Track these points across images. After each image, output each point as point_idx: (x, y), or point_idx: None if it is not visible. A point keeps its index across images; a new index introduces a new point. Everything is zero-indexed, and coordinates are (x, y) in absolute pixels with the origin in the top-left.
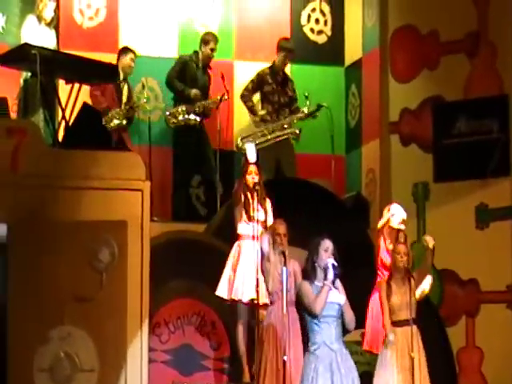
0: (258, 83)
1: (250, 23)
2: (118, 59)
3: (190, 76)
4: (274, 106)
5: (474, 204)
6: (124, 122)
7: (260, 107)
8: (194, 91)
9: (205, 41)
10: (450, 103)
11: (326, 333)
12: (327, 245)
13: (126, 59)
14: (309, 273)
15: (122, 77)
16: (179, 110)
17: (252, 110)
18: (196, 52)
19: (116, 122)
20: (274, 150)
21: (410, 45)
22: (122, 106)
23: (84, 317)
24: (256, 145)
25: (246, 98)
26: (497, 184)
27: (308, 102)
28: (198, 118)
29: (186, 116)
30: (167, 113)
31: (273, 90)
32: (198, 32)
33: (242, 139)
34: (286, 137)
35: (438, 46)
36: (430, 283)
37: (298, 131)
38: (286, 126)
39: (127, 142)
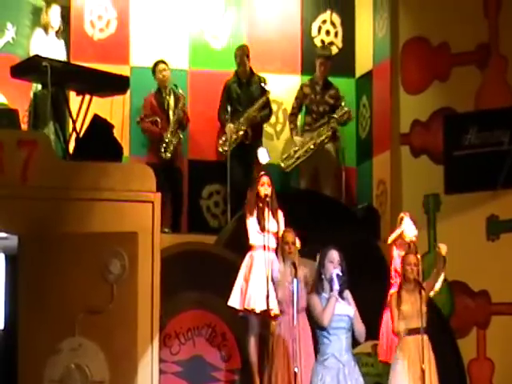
0: (300, 99)
1: (261, 35)
2: (154, 76)
3: (233, 99)
4: (313, 116)
5: (485, 215)
6: (176, 138)
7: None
8: (229, 128)
9: (235, 56)
10: (460, 115)
11: (336, 345)
12: (333, 255)
13: (157, 72)
14: (316, 285)
15: (162, 91)
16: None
17: (291, 133)
18: (236, 70)
19: (171, 146)
20: (313, 158)
21: (421, 56)
22: (171, 121)
23: (95, 328)
24: (297, 158)
25: (291, 118)
26: (507, 195)
27: (342, 108)
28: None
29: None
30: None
31: (311, 100)
32: (208, 43)
33: (284, 160)
34: (324, 141)
35: (448, 58)
36: (441, 281)
37: (344, 112)
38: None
39: (179, 159)
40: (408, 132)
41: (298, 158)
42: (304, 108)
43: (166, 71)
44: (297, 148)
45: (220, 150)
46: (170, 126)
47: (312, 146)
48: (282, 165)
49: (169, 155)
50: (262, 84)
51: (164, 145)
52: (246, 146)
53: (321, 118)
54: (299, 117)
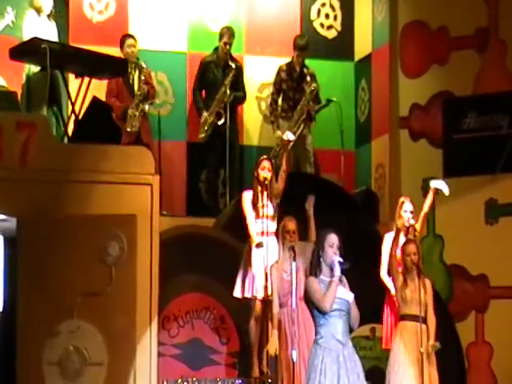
0: (278, 83)
1: (260, 18)
2: (121, 50)
3: (209, 80)
4: (289, 103)
5: (484, 199)
6: (139, 112)
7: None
8: (204, 116)
9: (220, 35)
10: (459, 99)
11: (335, 326)
12: (333, 240)
13: (124, 47)
14: (315, 267)
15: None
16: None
17: (273, 127)
18: (216, 48)
19: (135, 122)
20: (293, 147)
21: (420, 40)
22: (135, 98)
23: (93, 311)
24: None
25: (271, 108)
26: (506, 179)
27: (309, 84)
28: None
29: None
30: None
31: (288, 86)
32: (207, 26)
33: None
34: (303, 131)
35: (447, 42)
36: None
37: (312, 90)
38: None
39: (145, 134)
40: (407, 116)
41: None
42: (281, 94)
43: (135, 47)
44: (280, 145)
45: (200, 137)
46: (133, 100)
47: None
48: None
49: (134, 129)
50: (233, 64)
51: (128, 119)
52: (222, 128)
53: (297, 104)
54: (279, 102)
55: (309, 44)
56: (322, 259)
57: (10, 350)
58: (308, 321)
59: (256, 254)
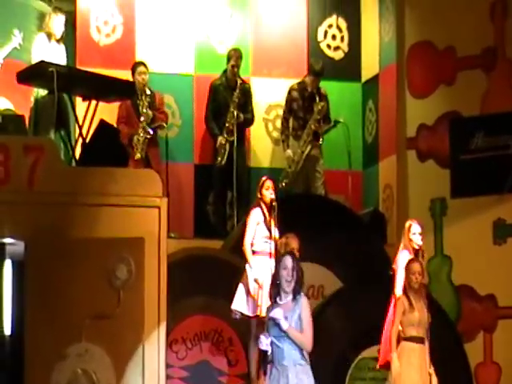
0: (289, 102)
1: (267, 39)
2: (132, 77)
3: (220, 104)
4: (300, 123)
5: (492, 219)
6: (143, 138)
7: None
8: (219, 140)
9: (227, 58)
10: (467, 119)
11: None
12: (286, 263)
13: (136, 74)
14: (274, 292)
15: (138, 94)
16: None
17: (283, 146)
18: (225, 71)
19: (141, 149)
20: (303, 167)
21: (427, 60)
22: (141, 124)
23: (101, 333)
24: (293, 173)
25: (282, 127)
26: None
27: (317, 104)
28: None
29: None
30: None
31: (298, 106)
32: (214, 48)
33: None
34: (311, 151)
35: (454, 62)
36: None
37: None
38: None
39: (154, 159)
40: (414, 136)
41: (293, 172)
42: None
43: (146, 74)
44: (291, 166)
45: (217, 162)
46: (139, 127)
47: (303, 160)
48: (283, 184)
49: (139, 155)
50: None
51: (133, 145)
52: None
53: (306, 124)
54: (290, 121)
55: (324, 69)
56: (278, 282)
57: (18, 374)
58: None
59: (257, 274)
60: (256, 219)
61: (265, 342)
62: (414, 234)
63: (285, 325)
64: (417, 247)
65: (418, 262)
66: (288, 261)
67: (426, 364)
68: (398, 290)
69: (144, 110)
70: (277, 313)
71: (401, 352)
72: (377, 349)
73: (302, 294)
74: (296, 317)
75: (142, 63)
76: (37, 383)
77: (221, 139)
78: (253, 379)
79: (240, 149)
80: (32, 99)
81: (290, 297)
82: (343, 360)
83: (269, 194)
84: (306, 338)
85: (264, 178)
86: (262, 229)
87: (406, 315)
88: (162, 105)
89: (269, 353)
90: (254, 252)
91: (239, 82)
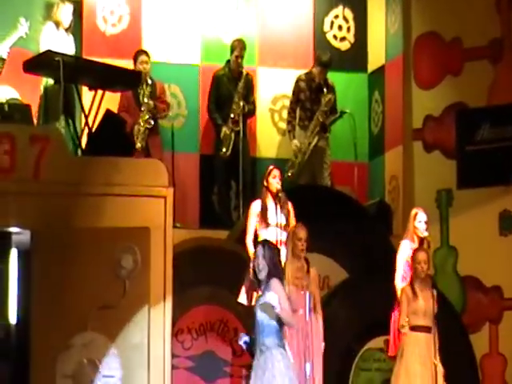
0: (296, 93)
1: (273, 30)
2: (134, 65)
3: (223, 95)
4: (307, 114)
5: (498, 211)
6: (144, 128)
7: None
8: (223, 131)
9: (231, 48)
10: (473, 110)
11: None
12: (257, 253)
13: (137, 63)
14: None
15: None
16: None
17: (289, 136)
18: (228, 62)
19: (142, 139)
20: (310, 158)
21: (434, 51)
22: (142, 114)
23: (107, 323)
24: (299, 164)
25: (289, 117)
26: None
27: (325, 96)
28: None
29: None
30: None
31: (305, 97)
32: (220, 39)
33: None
34: (318, 142)
35: (461, 53)
36: None
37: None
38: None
39: (155, 149)
40: (420, 127)
41: (300, 163)
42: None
43: (147, 64)
44: (297, 156)
45: (222, 153)
46: (140, 117)
47: (309, 151)
48: (289, 174)
49: (139, 145)
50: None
51: (134, 135)
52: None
53: (313, 116)
54: (297, 112)
55: (332, 60)
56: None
57: (24, 363)
58: (321, 334)
59: None
60: (256, 211)
61: (243, 339)
62: (420, 222)
63: (277, 308)
64: (421, 235)
65: (424, 251)
66: (258, 250)
67: (432, 354)
68: (398, 280)
69: (145, 100)
70: (272, 298)
71: (407, 341)
72: (382, 339)
73: (274, 278)
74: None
75: (144, 52)
76: (42, 372)
77: (225, 130)
78: None
79: (243, 139)
80: (41, 88)
81: (264, 285)
82: (348, 351)
83: (275, 182)
84: (291, 316)
85: (271, 167)
86: (267, 217)
87: (410, 304)
88: (162, 94)
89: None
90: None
91: (244, 72)
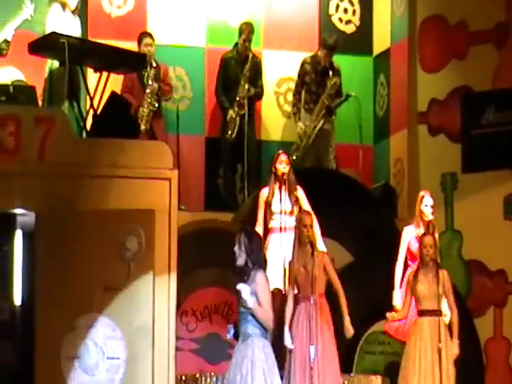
0: (301, 75)
1: (279, 12)
2: (138, 47)
3: (230, 78)
4: (312, 97)
5: (503, 194)
6: (148, 111)
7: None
8: (230, 114)
9: (239, 31)
10: (478, 93)
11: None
12: (236, 239)
13: (142, 45)
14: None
15: None
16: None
17: (294, 118)
18: (236, 44)
19: (145, 120)
20: (315, 141)
21: (439, 35)
22: (146, 96)
23: (111, 305)
24: (304, 147)
25: (294, 99)
26: None
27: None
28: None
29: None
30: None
31: (311, 79)
32: (226, 21)
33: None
34: (323, 125)
35: (466, 36)
36: None
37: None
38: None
39: (159, 131)
40: (425, 111)
41: (305, 146)
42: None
43: (152, 46)
44: (302, 139)
45: (228, 135)
46: (144, 99)
47: (315, 134)
48: (294, 157)
49: (143, 127)
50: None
51: (139, 118)
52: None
53: (319, 98)
54: (302, 94)
55: (337, 43)
56: None
57: (29, 345)
58: (326, 317)
59: (271, 250)
60: (263, 199)
61: (231, 332)
62: (426, 205)
63: (250, 303)
64: (427, 219)
65: (430, 235)
66: (237, 237)
67: (437, 338)
68: (399, 264)
69: (149, 82)
70: (244, 292)
71: (414, 325)
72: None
73: (260, 270)
74: (252, 291)
75: (149, 34)
76: (47, 354)
77: (231, 113)
78: None
79: (250, 122)
80: (46, 70)
81: (247, 273)
82: (353, 334)
83: (282, 167)
84: (267, 316)
85: (279, 152)
86: (274, 204)
87: (416, 288)
88: (166, 76)
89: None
90: (269, 230)
91: (250, 55)
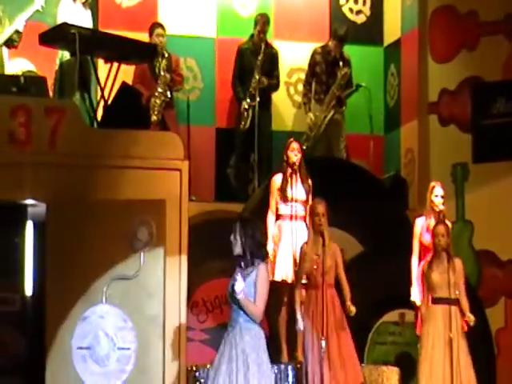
0: (312, 66)
1: (289, 3)
2: (150, 38)
3: (246, 69)
4: (322, 87)
5: None
6: (161, 101)
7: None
8: (243, 105)
9: (254, 22)
10: (488, 84)
11: None
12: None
13: (153, 36)
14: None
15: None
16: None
17: (305, 108)
18: (252, 36)
19: (158, 111)
20: (325, 131)
21: (449, 25)
22: (158, 87)
23: (122, 295)
24: (314, 136)
25: (304, 90)
26: None
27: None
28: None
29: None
30: None
31: (321, 70)
32: (236, 11)
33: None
34: (334, 115)
35: (477, 27)
36: None
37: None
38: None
39: (171, 121)
40: (436, 101)
41: (315, 136)
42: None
43: (163, 37)
44: (313, 129)
45: (241, 125)
46: (156, 90)
47: (325, 124)
48: (304, 147)
49: (155, 118)
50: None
51: (151, 108)
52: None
53: (329, 88)
54: (312, 85)
55: (348, 34)
56: None
57: (40, 335)
58: (336, 307)
59: (283, 238)
60: (276, 185)
61: None
62: (437, 196)
63: (240, 294)
64: (437, 210)
65: (442, 225)
66: (234, 226)
67: (448, 327)
68: (414, 258)
69: (162, 73)
70: (238, 284)
71: (426, 315)
72: (397, 313)
73: (263, 262)
74: (251, 282)
75: (160, 25)
76: (58, 344)
77: (244, 104)
78: (281, 336)
79: (264, 113)
80: (57, 61)
81: (245, 262)
82: (363, 324)
83: (293, 155)
84: (256, 311)
85: (290, 140)
86: (285, 192)
87: (428, 277)
88: (177, 67)
89: None
90: (280, 216)
91: (263, 46)
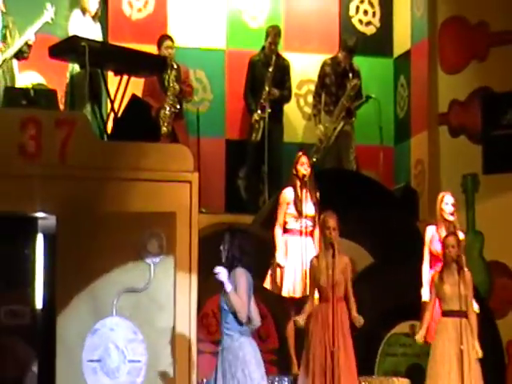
0: (322, 77)
1: (299, 14)
2: (159, 50)
3: (258, 80)
4: (332, 98)
5: None
6: (170, 113)
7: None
8: (255, 117)
9: (266, 34)
10: (499, 94)
11: None
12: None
13: (162, 48)
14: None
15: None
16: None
17: (315, 120)
18: (263, 48)
19: (167, 122)
20: (335, 142)
21: (459, 36)
22: (168, 98)
23: (133, 308)
24: (324, 148)
25: (314, 101)
26: None
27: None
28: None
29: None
30: None
31: (331, 81)
32: (246, 23)
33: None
34: (343, 127)
35: (487, 37)
36: None
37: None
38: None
39: (181, 133)
40: (446, 112)
41: (325, 148)
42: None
43: (172, 49)
44: (323, 140)
45: (252, 137)
46: (166, 101)
47: (335, 136)
48: (314, 159)
49: (165, 129)
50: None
51: (161, 120)
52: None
53: (338, 100)
54: (322, 96)
55: (357, 45)
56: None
57: (50, 348)
58: (344, 322)
59: (291, 253)
60: (286, 199)
61: None
62: (447, 204)
63: (228, 287)
64: (448, 219)
65: (452, 236)
66: (224, 237)
67: (459, 339)
68: (425, 263)
69: (171, 84)
70: (222, 275)
71: (437, 327)
72: (408, 324)
73: (238, 267)
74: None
75: (169, 37)
76: (68, 358)
77: (255, 115)
78: (290, 348)
79: (276, 125)
80: (68, 75)
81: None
82: (374, 336)
83: (303, 169)
84: (242, 304)
85: (300, 154)
86: (299, 208)
87: (439, 289)
88: (187, 78)
89: None
90: (287, 230)
91: (274, 58)
